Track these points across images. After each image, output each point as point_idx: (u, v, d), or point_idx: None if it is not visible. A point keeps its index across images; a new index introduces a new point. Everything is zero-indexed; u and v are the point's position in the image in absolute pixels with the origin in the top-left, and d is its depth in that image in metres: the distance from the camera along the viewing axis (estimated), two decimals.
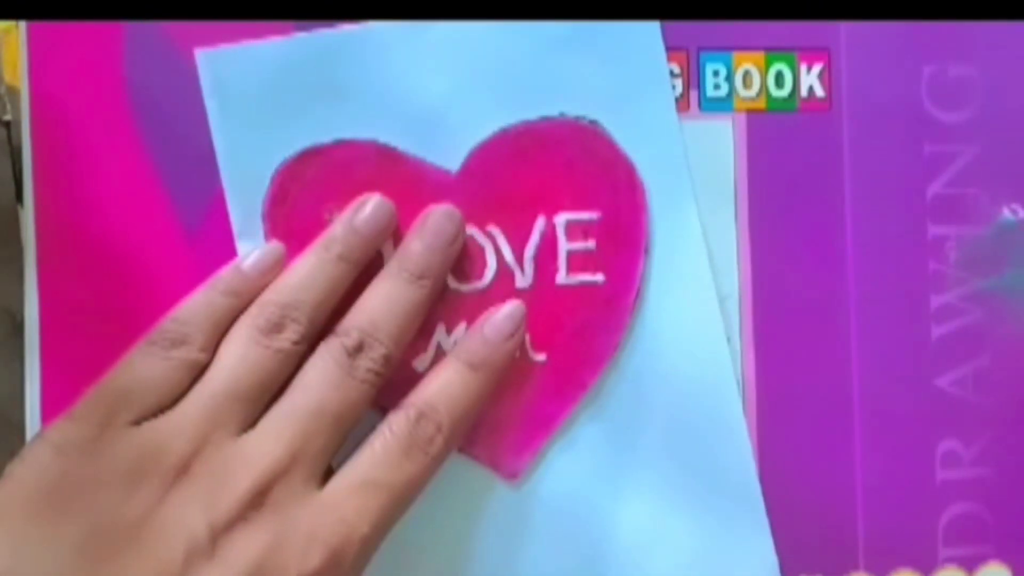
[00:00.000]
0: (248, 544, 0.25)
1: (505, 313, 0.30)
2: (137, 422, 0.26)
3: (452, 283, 0.30)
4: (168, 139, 0.30)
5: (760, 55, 0.32)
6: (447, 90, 0.30)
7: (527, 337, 0.31)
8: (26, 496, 0.24)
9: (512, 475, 0.31)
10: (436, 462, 0.28)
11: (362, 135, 0.30)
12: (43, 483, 0.25)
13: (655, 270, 0.31)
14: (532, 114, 0.31)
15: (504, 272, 0.31)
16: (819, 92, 0.32)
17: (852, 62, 0.33)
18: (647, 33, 0.31)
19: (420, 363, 0.30)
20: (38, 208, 0.30)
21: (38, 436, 0.26)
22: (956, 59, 0.33)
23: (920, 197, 0.33)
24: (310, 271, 0.28)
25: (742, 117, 0.32)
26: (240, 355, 0.27)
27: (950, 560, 0.33)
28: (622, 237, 0.31)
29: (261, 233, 0.30)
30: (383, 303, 0.28)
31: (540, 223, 0.31)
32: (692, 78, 0.32)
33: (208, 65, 0.30)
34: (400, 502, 0.27)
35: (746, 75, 0.32)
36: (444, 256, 0.29)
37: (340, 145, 0.30)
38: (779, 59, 0.32)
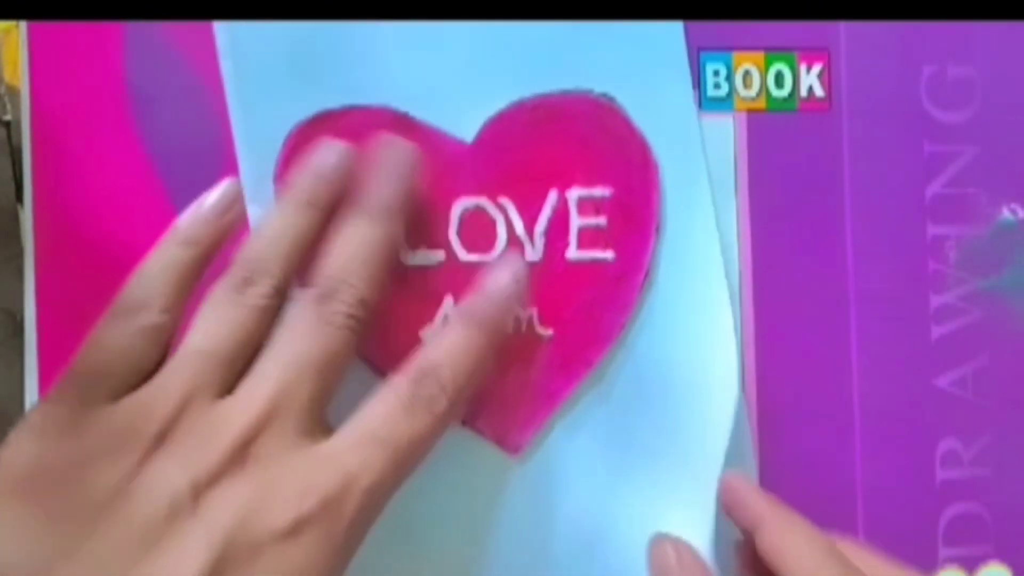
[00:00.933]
0: (231, 497, 0.24)
1: (509, 269, 0.29)
2: (116, 396, 0.26)
3: (462, 254, 0.30)
4: (168, 139, 0.30)
5: (760, 55, 0.32)
6: (465, 60, 0.30)
7: (534, 311, 0.31)
8: (11, 480, 0.24)
9: (515, 449, 0.31)
10: (440, 422, 0.27)
11: (377, 101, 0.30)
12: (27, 466, 0.24)
13: (666, 250, 0.31)
14: (549, 87, 0.31)
15: (514, 245, 0.31)
16: (819, 92, 0.32)
17: (852, 62, 0.33)
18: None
19: (428, 333, 0.30)
20: (38, 208, 0.30)
21: (21, 421, 0.26)
22: (955, 59, 0.33)
23: (920, 197, 0.33)
24: (278, 223, 0.28)
25: (742, 117, 0.32)
26: (215, 316, 0.27)
27: (950, 560, 0.33)
28: (634, 215, 0.31)
29: (272, 197, 0.30)
30: (349, 246, 0.28)
31: (552, 197, 0.31)
32: (692, 78, 0.32)
33: (225, 28, 0.30)
34: (404, 460, 0.26)
35: (746, 75, 0.32)
36: (402, 188, 0.29)
37: (354, 111, 0.30)
38: (779, 59, 0.32)
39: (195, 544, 0.23)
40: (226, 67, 0.30)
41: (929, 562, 0.33)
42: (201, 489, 0.24)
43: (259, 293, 0.27)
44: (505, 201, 0.31)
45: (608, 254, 0.31)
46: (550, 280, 0.31)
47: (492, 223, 0.31)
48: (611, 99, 0.31)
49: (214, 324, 0.27)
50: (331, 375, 0.27)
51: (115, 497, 0.24)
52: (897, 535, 0.33)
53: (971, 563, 0.33)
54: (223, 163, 0.30)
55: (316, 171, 0.29)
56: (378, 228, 0.28)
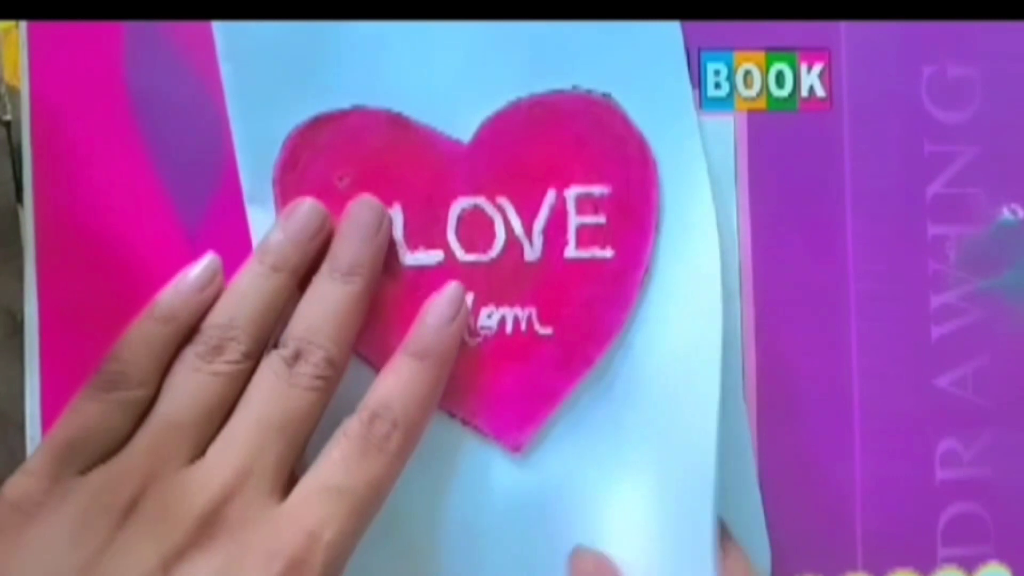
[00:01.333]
0: (201, 569, 0.25)
1: (445, 297, 0.30)
2: (88, 468, 0.26)
3: (460, 254, 0.30)
4: (168, 139, 0.30)
5: (761, 55, 0.32)
6: (461, 60, 0.30)
7: (534, 310, 0.31)
8: None
9: (515, 448, 0.31)
10: (397, 459, 0.27)
11: (375, 103, 0.30)
12: (1, 540, 0.25)
13: (665, 247, 0.31)
14: (545, 86, 0.31)
15: (513, 244, 0.31)
16: (820, 92, 0.32)
17: (852, 62, 0.33)
18: None
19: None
20: (38, 208, 0.30)
21: None
22: (956, 59, 0.33)
23: (920, 197, 0.33)
24: (245, 287, 0.28)
25: (743, 117, 0.32)
26: (181, 385, 0.27)
27: (949, 560, 0.33)
28: (632, 213, 0.31)
29: (271, 199, 0.30)
30: (318, 306, 0.28)
31: (550, 196, 0.31)
32: (693, 78, 0.32)
33: (224, 29, 0.30)
34: (364, 506, 0.27)
35: (747, 75, 0.32)
36: (372, 248, 0.29)
37: (352, 112, 0.30)
38: (780, 59, 0.32)
39: None
40: (225, 69, 0.30)
41: (928, 562, 0.33)
42: (171, 563, 0.24)
43: (227, 360, 0.27)
44: (503, 201, 0.31)
45: (607, 252, 0.31)
46: (549, 279, 0.31)
47: (490, 223, 0.31)
48: (609, 98, 0.31)
49: (182, 393, 0.27)
50: (298, 436, 0.27)
51: (87, 574, 0.24)
52: (896, 535, 0.33)
53: (970, 563, 0.33)
54: (223, 163, 0.30)
55: (283, 234, 0.29)
56: (349, 288, 0.28)
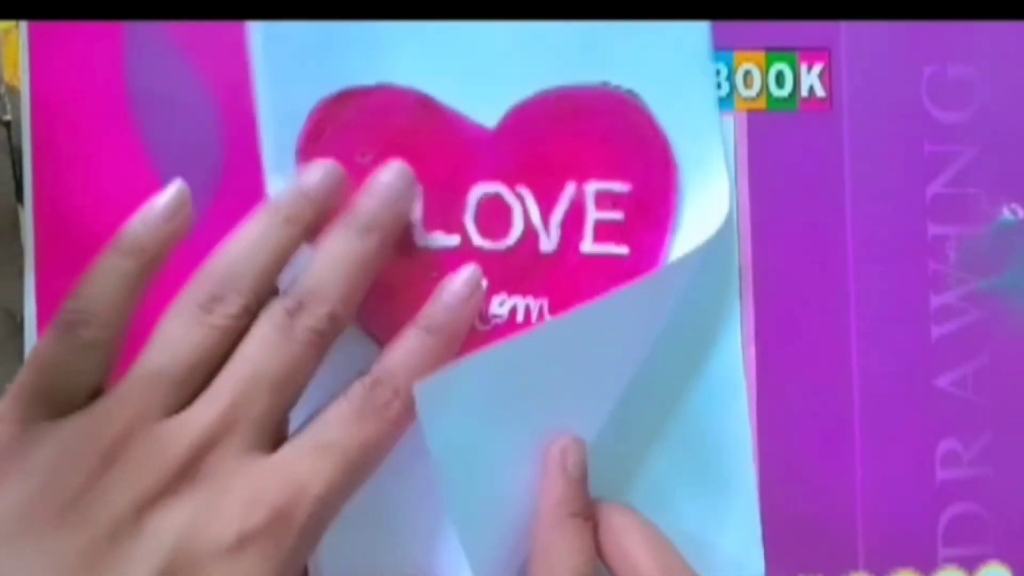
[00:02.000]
0: (175, 515, 0.24)
1: (463, 277, 0.29)
2: (61, 413, 0.25)
3: (476, 239, 0.30)
4: (168, 139, 0.30)
5: (761, 55, 0.32)
6: (492, 47, 0.31)
7: (546, 301, 0.31)
8: None
9: None
10: (394, 426, 0.27)
11: (403, 82, 0.30)
12: None
13: (681, 249, 0.31)
14: (574, 79, 0.31)
15: (530, 234, 0.31)
16: (819, 92, 0.32)
17: (852, 62, 0.33)
18: None
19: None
20: (37, 207, 0.30)
21: None
22: (956, 59, 0.33)
23: (920, 197, 0.33)
24: (254, 237, 0.27)
25: (743, 116, 0.32)
26: (174, 334, 0.26)
27: (950, 560, 0.33)
28: (651, 212, 0.31)
29: (293, 170, 0.30)
30: (328, 259, 0.27)
31: (570, 189, 0.31)
32: None
33: None
34: (356, 466, 0.26)
35: (747, 75, 0.32)
36: (394, 210, 0.29)
37: (380, 89, 0.30)
38: (780, 59, 0.32)
39: (136, 565, 0.23)
40: (255, 38, 0.30)
41: (929, 562, 0.33)
42: (144, 508, 0.24)
43: (225, 313, 0.26)
44: (523, 190, 0.31)
45: (623, 249, 0.31)
46: (563, 271, 0.31)
47: (509, 210, 0.31)
48: (635, 95, 0.31)
49: (172, 343, 0.26)
50: (288, 391, 0.26)
51: (62, 520, 0.24)
52: (897, 535, 0.33)
53: (971, 563, 0.33)
54: (223, 163, 0.30)
55: (299, 188, 0.28)
56: (364, 244, 0.28)
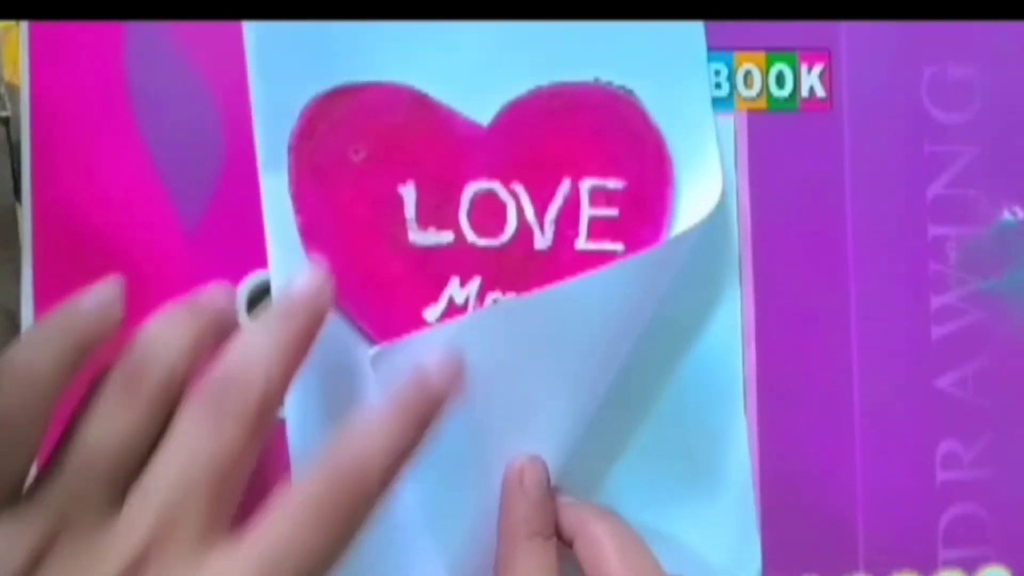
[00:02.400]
0: None
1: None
2: None
3: (471, 236, 0.30)
4: (168, 139, 0.30)
5: (761, 55, 0.32)
6: (486, 44, 0.30)
7: None
8: None
9: None
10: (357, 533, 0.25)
11: (397, 79, 0.30)
12: None
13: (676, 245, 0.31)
14: (569, 76, 0.31)
15: (524, 231, 0.31)
16: (820, 92, 0.32)
17: (853, 62, 0.33)
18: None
19: (430, 313, 0.30)
20: (36, 206, 0.30)
21: None
22: (956, 60, 0.33)
23: (920, 197, 0.33)
24: (171, 319, 0.26)
25: (743, 117, 0.32)
26: (104, 417, 0.24)
27: (950, 562, 0.33)
28: (646, 209, 0.31)
29: (286, 167, 0.30)
30: (258, 339, 0.25)
31: (565, 186, 0.31)
32: None
33: None
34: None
35: (747, 75, 0.32)
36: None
37: (374, 86, 0.30)
38: (780, 59, 0.32)
39: None
40: (248, 34, 0.30)
41: (929, 564, 0.33)
42: None
43: (150, 390, 0.24)
44: (517, 187, 0.31)
45: (618, 246, 0.31)
46: (558, 269, 0.31)
47: (503, 207, 0.31)
48: (629, 92, 0.31)
49: (100, 426, 0.24)
50: (231, 481, 0.24)
51: None
52: (897, 536, 0.33)
53: (971, 565, 0.33)
54: (223, 163, 0.30)
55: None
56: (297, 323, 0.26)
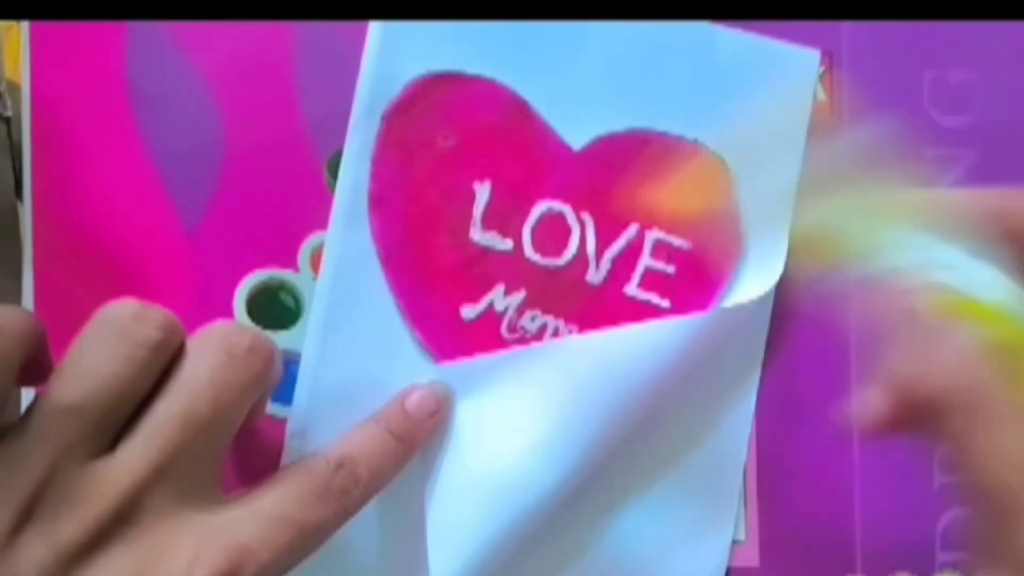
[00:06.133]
0: (107, 571, 0.22)
1: (432, 391, 0.29)
2: None
3: (529, 251, 0.31)
4: (168, 139, 0.30)
5: None
6: (602, 71, 0.31)
7: (576, 329, 0.31)
8: None
9: None
10: (348, 513, 0.27)
11: (506, 80, 0.30)
12: None
13: (720, 316, 0.31)
14: (667, 127, 0.31)
15: (581, 260, 0.31)
16: (820, 95, 0.32)
17: (853, 66, 0.32)
18: (803, 79, 0.31)
19: (467, 312, 0.30)
20: (36, 205, 0.30)
21: None
22: (957, 64, 0.33)
23: None
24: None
25: None
26: (95, 362, 0.24)
27: (947, 565, 0.33)
28: (703, 275, 0.31)
29: (375, 133, 0.30)
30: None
31: (632, 230, 0.31)
32: None
33: None
34: (305, 544, 0.25)
35: None
36: None
37: (481, 80, 0.30)
38: None
39: None
40: None
41: (927, 567, 0.33)
42: (71, 564, 0.22)
43: (147, 336, 0.24)
44: (587, 216, 0.31)
45: (665, 302, 0.31)
46: (603, 306, 0.31)
47: (568, 232, 0.31)
48: (722, 161, 0.31)
49: (90, 372, 0.24)
50: (226, 431, 0.25)
51: None
52: (895, 540, 0.33)
53: (969, 569, 0.33)
54: (223, 163, 0.30)
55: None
56: None
